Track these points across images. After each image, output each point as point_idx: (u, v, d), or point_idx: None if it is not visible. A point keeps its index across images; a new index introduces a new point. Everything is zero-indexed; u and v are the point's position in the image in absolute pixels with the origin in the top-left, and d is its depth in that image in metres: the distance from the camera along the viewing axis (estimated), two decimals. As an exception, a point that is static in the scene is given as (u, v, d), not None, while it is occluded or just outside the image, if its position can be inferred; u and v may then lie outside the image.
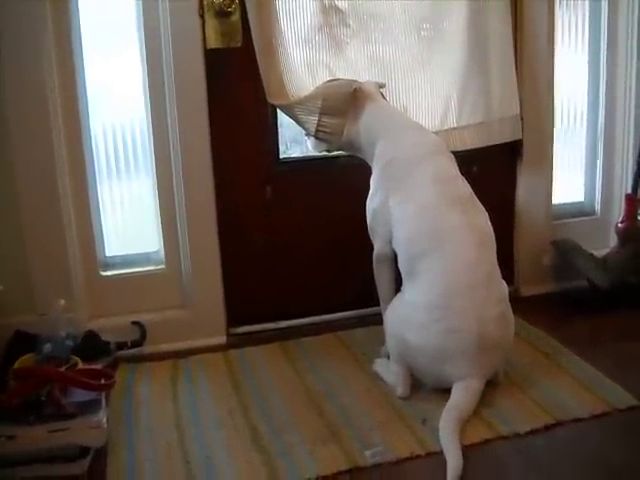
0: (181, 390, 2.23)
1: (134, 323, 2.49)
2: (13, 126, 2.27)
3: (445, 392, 1.98)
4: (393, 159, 2.17)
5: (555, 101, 2.85)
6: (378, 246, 2.21)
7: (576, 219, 3.08)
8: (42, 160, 2.31)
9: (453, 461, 1.73)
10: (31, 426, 1.78)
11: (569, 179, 3.11)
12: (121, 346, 2.42)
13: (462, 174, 2.18)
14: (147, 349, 2.49)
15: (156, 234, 2.57)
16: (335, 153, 2.48)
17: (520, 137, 2.74)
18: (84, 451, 1.81)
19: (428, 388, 2.08)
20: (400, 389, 2.10)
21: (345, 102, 2.26)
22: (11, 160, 2.28)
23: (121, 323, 2.48)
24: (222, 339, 2.59)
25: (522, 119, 2.72)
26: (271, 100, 2.37)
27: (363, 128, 2.25)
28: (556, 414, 1.97)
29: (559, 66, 2.83)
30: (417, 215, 2.08)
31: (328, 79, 2.39)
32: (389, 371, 2.17)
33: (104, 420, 1.86)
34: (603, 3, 2.93)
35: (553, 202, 2.94)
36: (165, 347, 2.50)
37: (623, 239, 2.83)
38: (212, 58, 2.41)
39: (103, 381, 1.96)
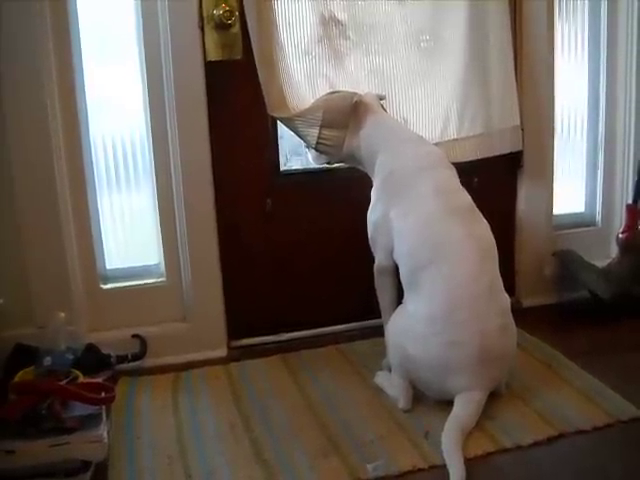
0: (182, 403, 2.22)
1: (134, 336, 2.48)
2: (12, 138, 2.26)
3: (447, 404, 1.97)
4: (394, 171, 2.17)
5: (555, 111, 2.86)
6: (379, 258, 2.21)
7: (577, 230, 3.08)
8: (42, 172, 2.31)
9: (456, 474, 1.72)
10: (31, 440, 1.76)
11: (570, 190, 3.11)
12: (121, 359, 2.41)
13: (462, 185, 2.18)
14: (148, 362, 2.48)
15: (156, 247, 2.57)
16: (336, 165, 2.48)
17: (521, 148, 2.74)
18: (85, 465, 1.80)
19: (430, 400, 2.07)
20: (402, 402, 2.09)
21: (346, 114, 2.26)
22: (10, 172, 2.28)
23: (121, 336, 2.47)
24: (223, 352, 2.58)
25: (522, 130, 2.72)
26: (272, 113, 2.37)
27: (364, 140, 2.25)
28: (559, 426, 1.96)
29: (559, 76, 2.83)
30: (418, 227, 2.08)
31: (328, 91, 2.39)
32: (391, 384, 2.16)
33: (105, 434, 1.85)
34: (602, 13, 2.94)
35: (554, 213, 2.94)
36: (166, 360, 2.49)
37: (624, 249, 2.82)
38: (212, 70, 2.41)
39: (103, 395, 1.95)
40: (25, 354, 2.18)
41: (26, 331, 2.31)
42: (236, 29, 2.38)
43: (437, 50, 2.59)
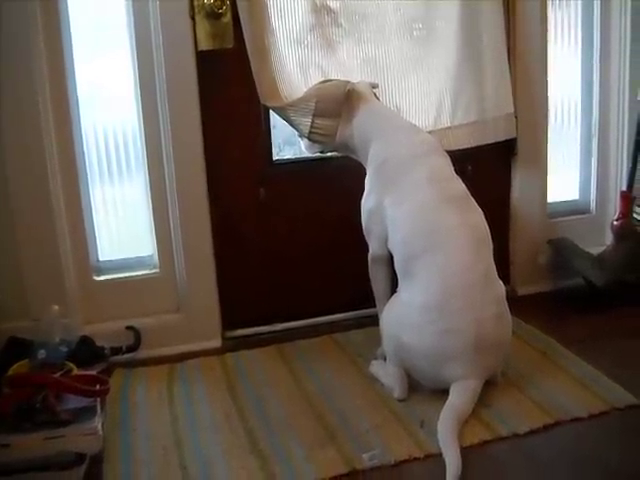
0: (177, 395, 2.21)
1: (129, 328, 2.48)
2: (3, 130, 2.25)
3: (443, 393, 1.97)
4: (387, 159, 2.16)
5: (549, 99, 2.85)
6: (373, 247, 2.21)
7: (571, 217, 3.07)
8: (33, 164, 2.30)
9: (452, 462, 1.71)
10: (26, 434, 1.76)
11: (564, 177, 3.11)
12: (116, 351, 2.41)
13: (456, 173, 2.17)
14: (142, 354, 2.47)
15: (149, 238, 2.56)
16: (329, 154, 2.46)
17: (514, 136, 2.74)
18: (80, 458, 1.79)
19: (426, 389, 2.07)
20: (397, 391, 2.08)
21: (338, 103, 2.25)
22: (2, 165, 2.27)
23: (115, 328, 2.47)
24: (217, 343, 2.58)
25: (516, 117, 2.71)
26: (264, 102, 2.36)
27: (357, 129, 2.24)
28: (555, 414, 1.96)
29: (553, 64, 2.82)
30: (413, 215, 2.07)
31: (321, 80, 2.38)
32: (386, 373, 2.15)
33: (99, 426, 1.85)
34: (596, 1, 2.92)
35: (548, 200, 2.93)
36: (160, 351, 2.49)
37: (618, 237, 2.82)
38: (203, 60, 2.40)
39: (98, 387, 1.95)
40: (19, 347, 2.18)
41: (20, 324, 2.30)
42: (227, 18, 2.37)
43: (430, 38, 2.58)
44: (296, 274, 2.69)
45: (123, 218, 2.57)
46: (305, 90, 2.36)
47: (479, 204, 2.12)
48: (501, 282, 2.10)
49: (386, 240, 2.14)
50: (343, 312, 2.72)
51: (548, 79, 2.80)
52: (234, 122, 2.51)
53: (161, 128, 2.42)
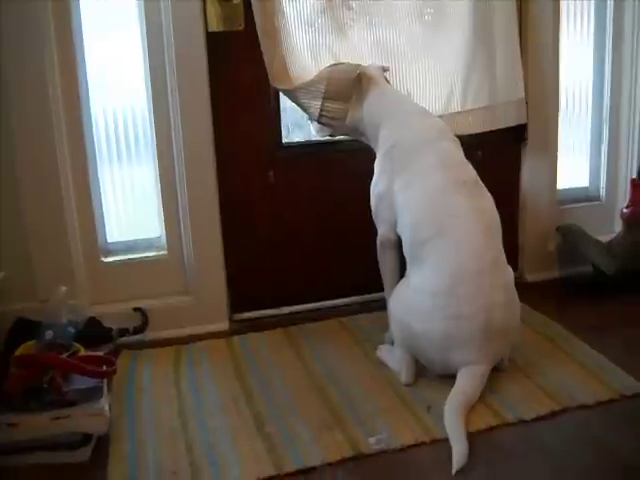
0: (184, 377, 2.22)
1: (136, 309, 2.48)
2: (13, 112, 2.25)
3: (450, 378, 1.97)
4: (397, 144, 2.15)
5: (560, 85, 2.83)
6: (382, 231, 2.20)
7: (581, 204, 3.06)
8: (43, 146, 2.30)
9: (458, 447, 1.72)
10: (33, 413, 1.77)
11: (574, 164, 3.09)
12: (123, 333, 2.41)
13: (466, 159, 2.16)
14: (149, 335, 2.48)
15: (158, 220, 2.56)
16: (338, 137, 2.46)
17: (525, 121, 2.73)
18: (86, 438, 1.81)
19: (433, 374, 2.07)
20: (404, 376, 2.08)
21: (349, 86, 2.24)
22: (11, 146, 2.27)
23: (123, 309, 2.47)
24: (225, 325, 2.58)
25: (527, 103, 2.69)
26: (274, 84, 2.35)
27: (367, 113, 2.23)
28: (562, 400, 1.96)
29: (564, 49, 2.81)
30: (422, 200, 2.06)
31: (332, 63, 2.36)
32: (393, 357, 2.15)
33: (106, 407, 1.85)
34: (609, -14, 2.91)
35: (558, 187, 2.92)
36: (167, 333, 2.49)
37: (628, 225, 2.81)
38: (214, 42, 2.39)
39: (105, 368, 1.96)
40: (26, 328, 2.18)
41: (27, 305, 2.31)
42: (238, 0, 2.35)
43: (441, 23, 2.57)
44: (304, 257, 2.68)
45: (132, 200, 2.58)
46: (315, 73, 2.34)
47: (488, 189, 2.11)
48: (510, 268, 2.09)
49: (395, 224, 2.13)
50: (351, 296, 2.73)
51: (560, 65, 2.78)
52: (244, 104, 2.50)
53: (170, 110, 2.42)
